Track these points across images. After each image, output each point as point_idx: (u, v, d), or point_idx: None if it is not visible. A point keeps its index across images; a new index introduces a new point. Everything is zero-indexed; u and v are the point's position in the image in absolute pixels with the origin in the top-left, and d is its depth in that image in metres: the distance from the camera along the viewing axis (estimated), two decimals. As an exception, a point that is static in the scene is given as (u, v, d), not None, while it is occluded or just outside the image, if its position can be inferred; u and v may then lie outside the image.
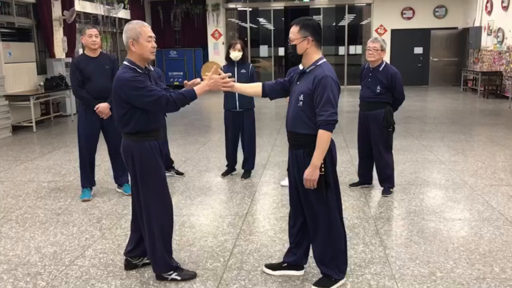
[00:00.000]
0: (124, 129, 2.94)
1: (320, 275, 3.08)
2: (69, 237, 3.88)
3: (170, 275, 3.09)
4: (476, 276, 3.11)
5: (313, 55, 2.86)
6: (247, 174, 5.62)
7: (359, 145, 5.08)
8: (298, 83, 2.92)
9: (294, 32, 2.85)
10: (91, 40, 4.61)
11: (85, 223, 4.20)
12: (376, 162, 4.93)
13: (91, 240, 3.80)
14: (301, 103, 2.82)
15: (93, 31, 4.63)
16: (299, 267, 3.20)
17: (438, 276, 3.12)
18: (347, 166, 5.96)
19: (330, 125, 2.74)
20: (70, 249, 3.64)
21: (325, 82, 2.73)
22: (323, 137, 2.74)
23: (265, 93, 3.14)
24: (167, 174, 5.65)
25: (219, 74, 3.02)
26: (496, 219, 4.11)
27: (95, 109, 4.64)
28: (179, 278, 3.09)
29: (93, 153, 4.90)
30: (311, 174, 2.77)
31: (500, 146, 7.00)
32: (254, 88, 3.21)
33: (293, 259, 3.18)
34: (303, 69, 2.92)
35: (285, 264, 3.20)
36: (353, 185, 5.14)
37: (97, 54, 4.72)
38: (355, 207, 4.51)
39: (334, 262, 3.00)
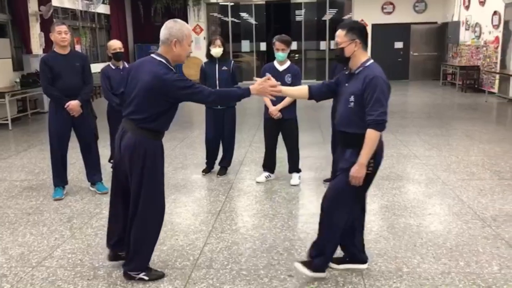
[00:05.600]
0: (148, 125, 2.90)
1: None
2: (38, 237, 3.84)
3: (138, 274, 3.07)
4: (441, 270, 3.16)
5: (360, 56, 2.92)
6: (223, 171, 5.61)
7: (333, 140, 5.09)
8: (346, 84, 2.98)
9: (340, 35, 2.92)
10: (61, 37, 4.54)
11: (55, 222, 4.16)
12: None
13: (61, 240, 3.76)
14: (352, 104, 2.89)
15: (62, 27, 4.55)
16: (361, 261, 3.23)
17: (404, 272, 3.16)
18: (323, 162, 5.99)
19: (379, 125, 2.79)
20: (38, 249, 3.60)
21: (375, 82, 2.79)
22: (371, 136, 2.79)
23: (311, 96, 3.22)
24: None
25: (269, 79, 3.12)
26: (465, 214, 4.17)
27: (65, 106, 4.58)
28: (146, 278, 3.08)
29: (65, 152, 4.84)
30: (358, 171, 2.83)
31: (474, 141, 7.10)
32: (300, 91, 3.29)
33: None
34: (351, 70, 2.97)
35: (348, 259, 3.25)
36: (327, 180, 5.15)
37: (67, 51, 4.65)
38: (328, 203, 4.53)
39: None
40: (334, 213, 2.99)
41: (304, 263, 3.08)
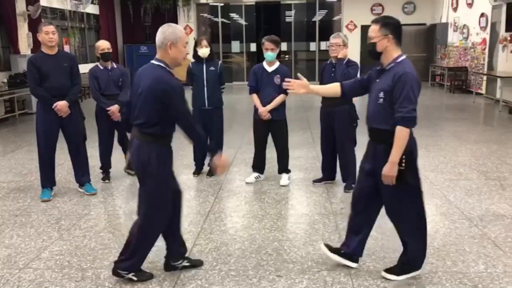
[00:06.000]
0: (150, 129, 2.90)
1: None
2: (25, 239, 3.81)
3: (127, 274, 3.06)
4: (428, 270, 3.19)
5: (392, 52, 2.90)
6: (212, 172, 5.60)
7: (322, 141, 5.12)
8: (377, 80, 2.98)
9: (374, 30, 2.90)
10: (48, 37, 4.50)
11: (43, 224, 4.13)
12: (340, 159, 5.00)
13: (48, 242, 3.73)
14: (381, 100, 2.88)
15: (50, 27, 4.52)
16: (354, 259, 3.23)
17: (392, 271, 3.17)
18: (313, 162, 6.01)
19: (408, 122, 2.78)
20: (25, 251, 3.57)
21: (405, 78, 2.78)
22: (401, 133, 2.78)
23: (343, 93, 3.23)
24: (132, 173, 5.64)
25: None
26: (452, 214, 4.21)
27: (53, 107, 4.55)
28: (135, 278, 3.07)
29: (53, 153, 4.80)
30: (389, 170, 2.82)
31: (462, 141, 7.17)
32: (332, 88, 3.32)
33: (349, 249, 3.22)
34: (383, 66, 2.96)
35: (343, 252, 3.23)
36: (316, 181, 5.19)
37: (55, 51, 4.62)
38: (317, 203, 4.56)
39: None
40: (413, 216, 3.00)
41: (388, 270, 3.12)
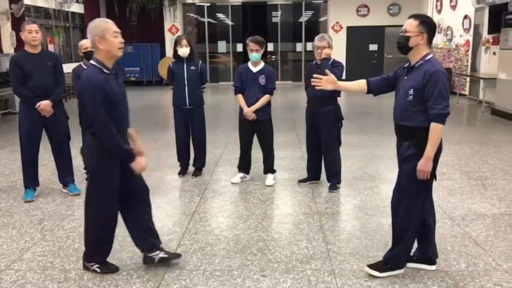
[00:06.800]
0: (90, 129, 2.93)
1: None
2: (7, 240, 3.76)
3: (92, 266, 3.19)
4: (411, 268, 3.22)
5: (422, 50, 2.94)
6: (197, 172, 5.60)
7: (308, 141, 5.14)
8: (405, 77, 3.00)
9: (412, 25, 2.92)
10: (31, 36, 4.45)
11: (26, 225, 4.08)
12: (325, 158, 5.02)
13: (31, 243, 3.70)
14: (411, 97, 2.92)
15: (33, 26, 4.47)
16: (431, 262, 3.22)
17: (375, 270, 3.20)
18: (298, 162, 6.03)
19: (442, 118, 2.84)
20: (7, 252, 3.53)
21: (436, 76, 2.83)
22: (436, 129, 2.85)
23: (370, 90, 3.26)
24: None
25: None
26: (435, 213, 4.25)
27: (36, 107, 4.50)
28: (98, 270, 3.18)
29: (36, 153, 4.75)
30: (425, 165, 2.90)
31: (445, 141, 7.15)
32: (358, 85, 3.32)
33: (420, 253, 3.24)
34: (410, 64, 2.99)
35: (415, 258, 3.24)
36: (301, 181, 5.21)
37: (38, 50, 4.57)
38: (302, 203, 4.58)
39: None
40: (417, 212, 3.06)
41: (372, 266, 3.15)
